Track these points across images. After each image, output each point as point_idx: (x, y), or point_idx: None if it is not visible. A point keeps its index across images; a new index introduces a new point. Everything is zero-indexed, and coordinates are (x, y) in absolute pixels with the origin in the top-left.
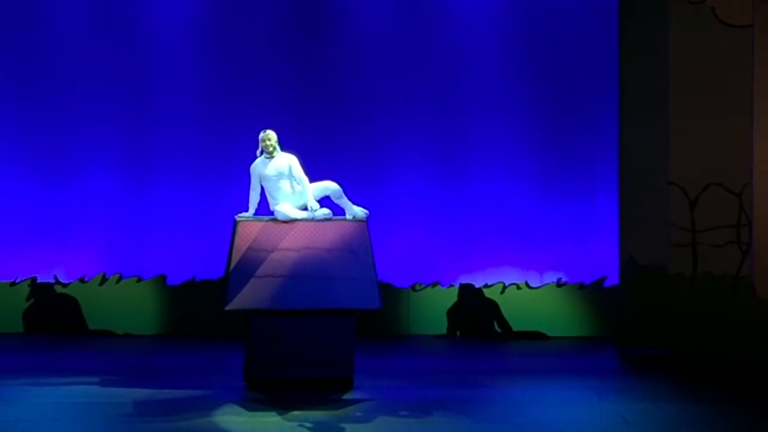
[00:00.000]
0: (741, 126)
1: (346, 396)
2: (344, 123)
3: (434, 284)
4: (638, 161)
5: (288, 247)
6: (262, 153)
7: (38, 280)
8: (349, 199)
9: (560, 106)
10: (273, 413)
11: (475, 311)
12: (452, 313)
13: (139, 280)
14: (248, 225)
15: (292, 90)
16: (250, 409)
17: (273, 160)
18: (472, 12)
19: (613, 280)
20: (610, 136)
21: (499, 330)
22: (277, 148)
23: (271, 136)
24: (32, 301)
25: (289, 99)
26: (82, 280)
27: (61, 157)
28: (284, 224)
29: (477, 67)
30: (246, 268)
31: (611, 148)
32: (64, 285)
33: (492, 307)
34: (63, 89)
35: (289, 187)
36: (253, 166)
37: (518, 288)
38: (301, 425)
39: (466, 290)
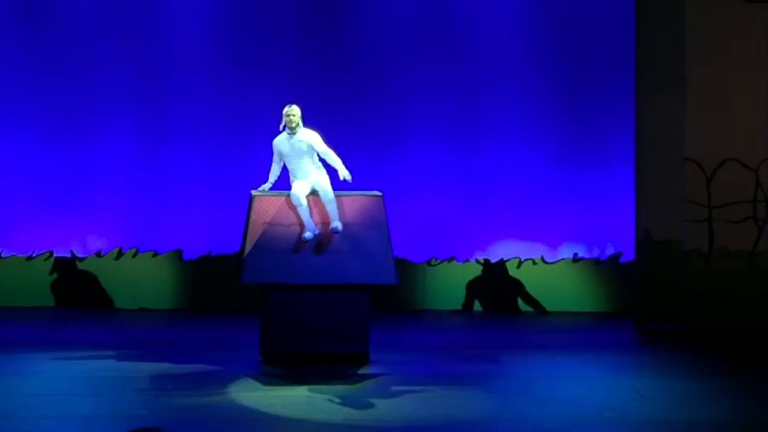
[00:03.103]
0: (757, 102)
1: (362, 370)
2: (359, 99)
3: (450, 259)
4: (654, 137)
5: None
6: (285, 128)
7: (55, 255)
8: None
9: (577, 82)
10: (289, 387)
11: (490, 286)
12: (468, 287)
13: (155, 255)
14: (264, 200)
15: (309, 63)
16: (265, 383)
17: (295, 136)
18: None
19: (629, 255)
20: (626, 112)
21: (515, 305)
22: (300, 124)
23: (295, 111)
24: (49, 275)
25: (305, 73)
26: (98, 255)
27: (77, 132)
28: None
29: (493, 42)
30: (262, 243)
31: (628, 123)
32: (81, 259)
33: (508, 281)
34: (78, 64)
35: (309, 165)
36: (275, 141)
37: (534, 263)
38: (316, 399)
39: (482, 265)
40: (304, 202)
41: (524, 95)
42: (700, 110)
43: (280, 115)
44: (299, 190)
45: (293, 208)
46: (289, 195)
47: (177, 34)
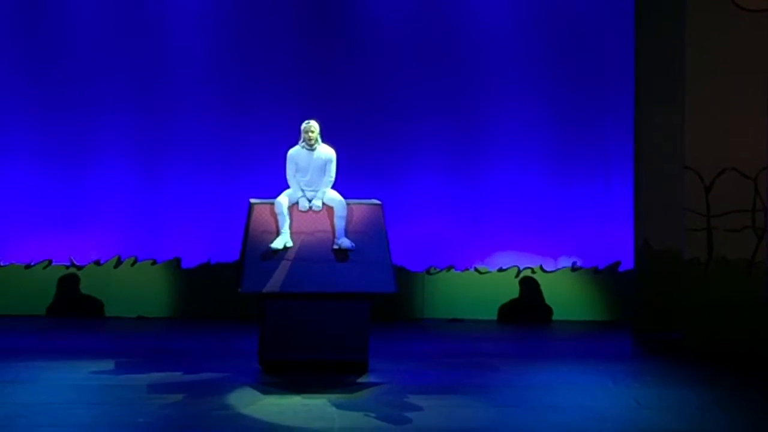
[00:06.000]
0: (756, 111)
1: (361, 379)
2: (360, 110)
3: (449, 268)
4: (653, 146)
5: (303, 230)
6: (303, 142)
7: (53, 263)
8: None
9: (576, 92)
10: (287, 396)
11: (490, 295)
12: (467, 296)
13: (154, 263)
14: (263, 208)
15: (308, 79)
16: (264, 392)
17: (314, 151)
18: None
19: (628, 264)
20: (625, 121)
21: (513, 313)
22: (319, 140)
23: (314, 128)
24: (49, 283)
25: (304, 88)
26: (97, 263)
27: (77, 142)
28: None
29: (492, 53)
30: (261, 251)
31: (627, 132)
32: (79, 268)
33: (507, 290)
34: (79, 76)
35: (322, 179)
36: (291, 152)
37: (533, 272)
38: (314, 408)
39: (482, 274)
40: (286, 211)
41: (523, 107)
42: (699, 119)
43: (280, 127)
44: (284, 199)
45: (293, 214)
46: (293, 204)
47: (176, 50)
